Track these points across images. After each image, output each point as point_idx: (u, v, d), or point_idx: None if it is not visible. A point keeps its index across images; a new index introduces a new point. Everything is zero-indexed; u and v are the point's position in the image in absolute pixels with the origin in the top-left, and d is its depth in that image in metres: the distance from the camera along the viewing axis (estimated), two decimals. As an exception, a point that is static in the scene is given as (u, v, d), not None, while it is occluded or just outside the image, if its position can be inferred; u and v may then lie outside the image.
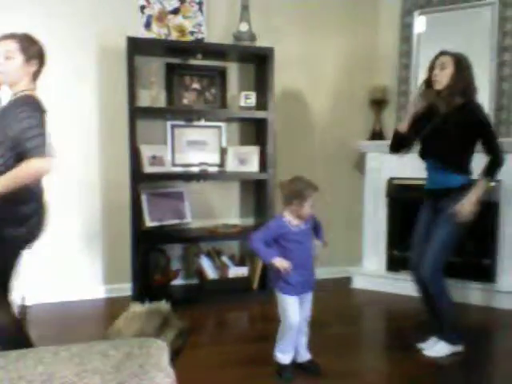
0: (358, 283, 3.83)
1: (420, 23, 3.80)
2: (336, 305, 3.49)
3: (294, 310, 2.31)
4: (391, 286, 3.68)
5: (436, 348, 2.60)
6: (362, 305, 3.56)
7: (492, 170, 2.49)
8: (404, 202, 3.68)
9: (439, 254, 2.52)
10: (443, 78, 2.47)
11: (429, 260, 2.51)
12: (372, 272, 3.85)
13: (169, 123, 3.49)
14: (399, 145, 2.73)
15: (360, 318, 3.36)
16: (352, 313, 3.37)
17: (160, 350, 1.29)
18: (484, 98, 3.55)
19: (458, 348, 2.60)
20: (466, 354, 2.62)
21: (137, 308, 1.65)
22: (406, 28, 3.85)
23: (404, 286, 3.58)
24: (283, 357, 2.33)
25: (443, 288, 2.54)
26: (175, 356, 1.53)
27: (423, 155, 2.64)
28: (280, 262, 2.20)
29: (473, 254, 3.57)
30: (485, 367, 2.60)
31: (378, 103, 3.94)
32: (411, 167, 3.20)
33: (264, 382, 2.34)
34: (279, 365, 2.34)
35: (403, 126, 2.63)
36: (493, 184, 3.37)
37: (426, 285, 2.56)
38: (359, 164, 4.00)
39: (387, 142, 3.11)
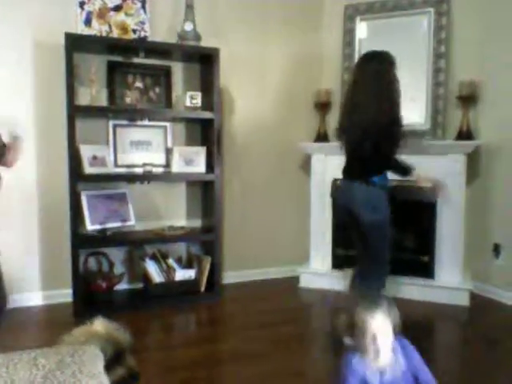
0: (306, 282, 3.88)
1: (361, 29, 3.92)
2: (284, 303, 3.51)
3: None
4: (336, 283, 3.76)
5: None
6: (309, 303, 3.60)
7: None
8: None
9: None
10: None
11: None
12: (318, 270, 3.91)
13: (111, 123, 3.38)
14: None
15: (306, 316, 3.40)
16: (299, 311, 3.41)
17: (93, 358, 1.23)
18: (421, 102, 3.74)
19: None
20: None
21: (99, 326, 1.39)
22: (349, 33, 3.96)
23: (347, 282, 3.67)
24: None
25: None
26: None
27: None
28: None
29: (412, 252, 3.72)
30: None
31: (323, 106, 4.01)
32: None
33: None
34: None
35: None
36: (430, 185, 3.53)
37: None
38: (305, 165, 4.06)
39: (331, 144, 3.19)
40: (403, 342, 1.64)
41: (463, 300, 3.42)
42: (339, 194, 2.84)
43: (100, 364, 1.24)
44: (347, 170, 2.75)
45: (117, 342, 1.36)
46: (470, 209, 3.64)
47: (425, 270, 3.62)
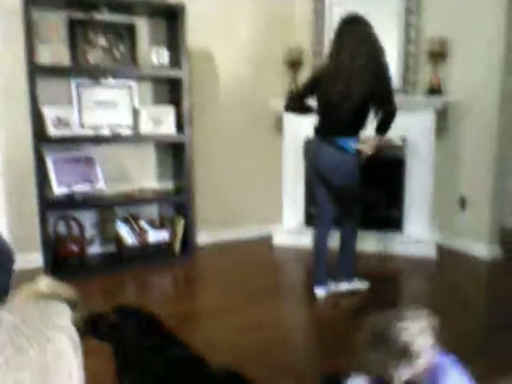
0: (279, 240, 3.93)
1: (332, -17, 3.82)
2: (258, 261, 3.57)
3: None
4: (309, 240, 3.81)
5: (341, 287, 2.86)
6: (282, 260, 3.67)
7: None
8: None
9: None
10: None
11: None
12: (291, 228, 3.96)
13: (73, 82, 3.25)
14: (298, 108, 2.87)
15: (279, 272, 3.46)
16: (272, 268, 3.47)
17: (59, 310, 1.22)
18: (392, 59, 3.72)
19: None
20: (376, 296, 2.82)
21: (42, 285, 1.36)
22: (319, -11, 3.86)
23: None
24: None
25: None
26: None
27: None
28: None
29: (383, 207, 3.79)
30: (394, 305, 2.82)
31: (294, 64, 3.95)
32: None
33: (192, 338, 2.35)
34: None
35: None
36: (400, 143, 3.58)
37: None
38: (278, 124, 4.03)
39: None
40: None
41: (430, 252, 3.54)
42: (311, 154, 2.82)
43: (66, 316, 1.23)
44: (323, 130, 2.73)
45: (62, 299, 1.33)
46: (439, 164, 3.71)
47: (394, 223, 3.71)
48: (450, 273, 3.27)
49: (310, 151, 2.81)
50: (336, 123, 2.67)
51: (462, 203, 3.66)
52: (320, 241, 2.87)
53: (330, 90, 2.62)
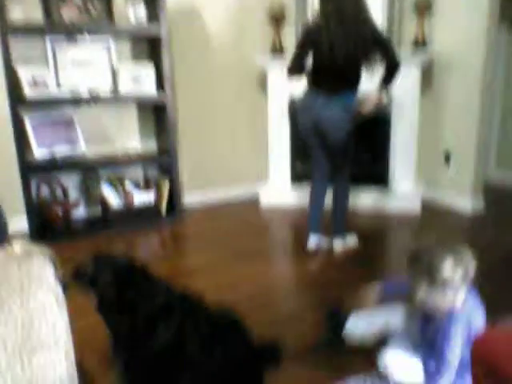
0: (266, 198, 3.93)
1: None
2: (245, 220, 3.58)
3: None
4: (296, 198, 3.84)
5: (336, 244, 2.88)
6: (269, 218, 3.69)
7: None
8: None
9: None
10: None
11: None
12: (278, 187, 3.96)
13: (48, 40, 3.12)
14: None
15: (267, 229, 3.49)
16: (259, 226, 3.49)
17: (42, 266, 1.21)
18: (377, 11, 3.62)
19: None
20: (363, 250, 2.87)
21: (15, 247, 1.34)
22: None
23: (307, 197, 3.76)
24: None
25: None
26: None
27: None
28: None
29: (369, 163, 3.80)
30: (382, 259, 2.90)
31: (277, 19, 3.84)
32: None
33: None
34: None
35: None
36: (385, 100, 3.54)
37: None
38: (263, 80, 3.94)
39: (288, 59, 3.11)
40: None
41: (415, 206, 3.59)
42: (314, 110, 2.70)
43: (50, 273, 1.22)
44: (329, 85, 2.65)
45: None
46: (424, 119, 3.70)
47: (380, 179, 3.73)
48: (433, 226, 3.32)
49: (312, 108, 2.69)
50: (340, 77, 2.62)
51: (447, 158, 3.68)
52: (317, 195, 2.87)
53: (332, 40, 2.53)
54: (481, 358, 1.08)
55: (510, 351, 1.03)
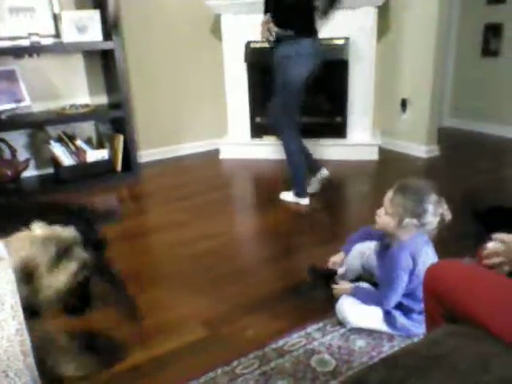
0: (226, 153, 3.87)
1: None
2: (205, 175, 3.52)
3: None
4: (256, 152, 3.79)
5: (285, 195, 2.89)
6: (229, 172, 3.64)
7: None
8: (263, 66, 3.57)
9: (277, 99, 2.71)
10: None
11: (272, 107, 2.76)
12: (237, 141, 3.90)
13: (-22, -16, 2.84)
14: None
15: (228, 183, 3.45)
16: (219, 180, 3.44)
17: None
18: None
19: (304, 201, 2.84)
20: (325, 198, 2.90)
21: (37, 230, 1.32)
22: None
23: (267, 150, 3.73)
24: None
25: (287, 141, 2.76)
26: (80, 291, 1.33)
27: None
28: None
29: (327, 114, 3.77)
30: (342, 208, 2.94)
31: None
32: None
33: (146, 253, 2.34)
34: None
35: None
36: (341, 43, 3.47)
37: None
38: (217, 29, 3.77)
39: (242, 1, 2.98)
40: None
41: (373, 155, 3.62)
42: (311, 58, 2.60)
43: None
44: (309, 29, 2.59)
45: (57, 239, 1.30)
46: (380, 66, 3.67)
47: (338, 130, 3.72)
48: (390, 172, 3.37)
49: (309, 54, 2.58)
50: (312, 18, 2.61)
51: (403, 105, 3.70)
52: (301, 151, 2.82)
53: None
54: (430, 287, 1.14)
55: (457, 281, 1.08)
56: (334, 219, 2.76)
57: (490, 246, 1.05)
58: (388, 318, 1.61)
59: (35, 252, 1.25)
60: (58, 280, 1.28)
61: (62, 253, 1.30)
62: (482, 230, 2.22)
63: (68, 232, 1.37)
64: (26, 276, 1.23)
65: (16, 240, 1.30)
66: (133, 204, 3.16)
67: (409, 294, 1.58)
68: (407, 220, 1.51)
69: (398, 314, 1.60)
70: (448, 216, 1.51)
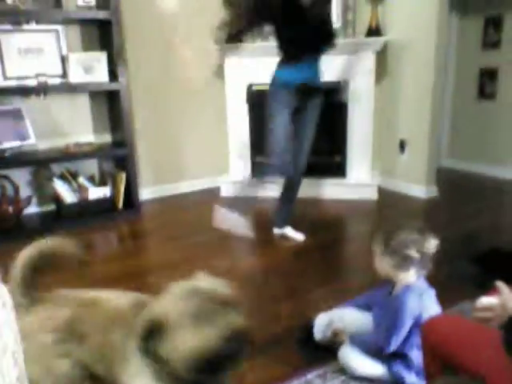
0: (227, 191, 3.88)
1: None
2: (205, 214, 3.51)
3: None
4: (257, 190, 3.80)
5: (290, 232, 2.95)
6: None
7: None
8: (264, 107, 3.66)
9: (308, 154, 2.79)
10: None
11: (303, 161, 2.79)
12: (239, 179, 3.92)
13: (-9, 28, 2.94)
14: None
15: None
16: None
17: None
18: (333, 1, 3.62)
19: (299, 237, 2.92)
20: (321, 238, 2.90)
21: (202, 282, 1.14)
22: None
23: (268, 188, 3.74)
24: None
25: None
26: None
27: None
28: None
29: (326, 153, 3.83)
30: (338, 247, 2.94)
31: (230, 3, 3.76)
32: (270, 71, 3.14)
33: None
34: None
35: None
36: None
37: (296, 184, 2.89)
38: (220, 71, 3.86)
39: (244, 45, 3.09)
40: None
41: (372, 195, 3.65)
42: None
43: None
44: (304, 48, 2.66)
45: (210, 297, 1.08)
46: (379, 107, 3.75)
47: (338, 169, 3.77)
48: (389, 213, 3.39)
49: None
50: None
51: (402, 146, 3.76)
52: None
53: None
54: (427, 341, 1.17)
55: (451, 335, 1.11)
56: (331, 259, 2.75)
57: (484, 301, 1.05)
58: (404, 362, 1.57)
59: (171, 306, 1.06)
60: (185, 344, 1.00)
61: (206, 312, 1.03)
62: (481, 272, 2.23)
63: (222, 288, 1.14)
64: (149, 332, 1.04)
65: (22, 255, 1.23)
66: (131, 243, 3.15)
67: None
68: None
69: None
70: (433, 245, 1.51)
